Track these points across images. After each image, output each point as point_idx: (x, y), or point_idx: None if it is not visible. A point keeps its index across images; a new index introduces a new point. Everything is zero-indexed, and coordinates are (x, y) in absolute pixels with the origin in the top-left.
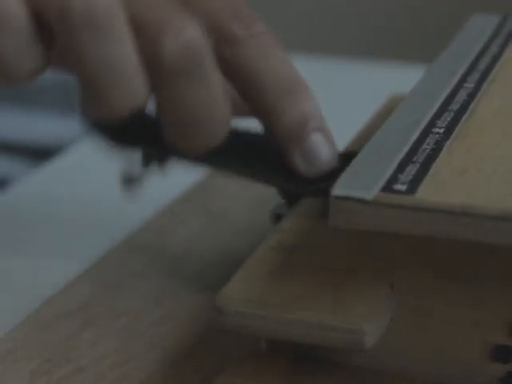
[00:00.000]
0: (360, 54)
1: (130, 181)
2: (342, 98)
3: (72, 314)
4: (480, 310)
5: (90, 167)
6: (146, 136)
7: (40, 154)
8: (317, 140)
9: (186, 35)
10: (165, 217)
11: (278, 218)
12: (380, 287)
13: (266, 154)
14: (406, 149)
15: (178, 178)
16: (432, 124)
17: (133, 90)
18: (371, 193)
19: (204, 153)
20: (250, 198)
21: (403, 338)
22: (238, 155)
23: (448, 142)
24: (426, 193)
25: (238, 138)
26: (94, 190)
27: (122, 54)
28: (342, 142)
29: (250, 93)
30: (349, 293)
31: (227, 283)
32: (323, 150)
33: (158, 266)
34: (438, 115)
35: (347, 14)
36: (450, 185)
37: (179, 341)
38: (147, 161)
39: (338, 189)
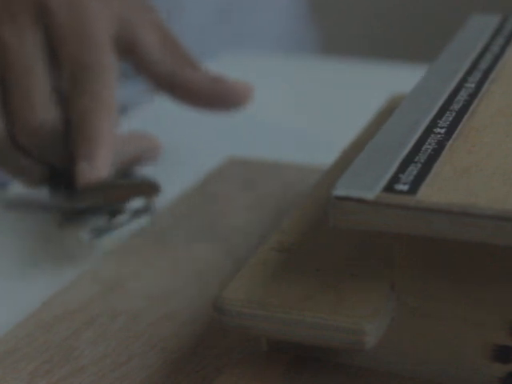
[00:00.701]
0: (360, 54)
1: (98, 232)
2: (343, 98)
3: (72, 314)
4: (480, 309)
5: None
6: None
7: None
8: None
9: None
10: (165, 217)
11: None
12: (380, 287)
13: None
14: (407, 149)
15: (178, 178)
16: (433, 124)
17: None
18: (372, 193)
19: None
20: (249, 198)
21: (403, 338)
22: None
23: (449, 142)
24: (428, 193)
25: None
26: None
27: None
28: (343, 142)
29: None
30: (349, 293)
31: (228, 283)
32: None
33: (158, 266)
34: (439, 115)
35: (347, 14)
36: (452, 185)
37: (179, 341)
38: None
39: (340, 189)
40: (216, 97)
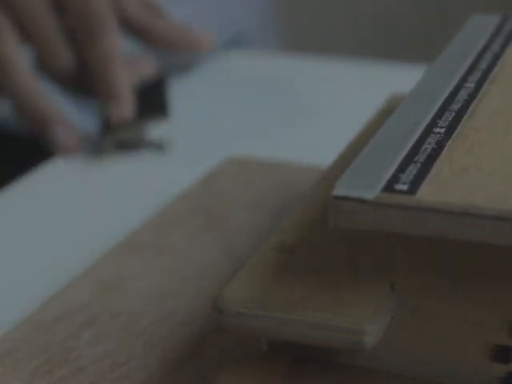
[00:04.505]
0: (360, 54)
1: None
2: (343, 98)
3: (72, 315)
4: (480, 309)
5: (90, 166)
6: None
7: None
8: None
9: None
10: (165, 217)
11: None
12: (380, 287)
13: None
14: (406, 149)
15: (178, 178)
16: (433, 124)
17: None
18: (372, 193)
19: None
20: (250, 197)
21: (403, 338)
22: None
23: (449, 142)
24: (427, 193)
25: None
26: (94, 189)
27: None
28: (343, 142)
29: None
30: (349, 293)
31: (228, 283)
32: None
33: (158, 266)
34: (438, 115)
35: (347, 14)
36: (451, 185)
37: (179, 341)
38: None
39: (339, 189)
40: (180, 41)
